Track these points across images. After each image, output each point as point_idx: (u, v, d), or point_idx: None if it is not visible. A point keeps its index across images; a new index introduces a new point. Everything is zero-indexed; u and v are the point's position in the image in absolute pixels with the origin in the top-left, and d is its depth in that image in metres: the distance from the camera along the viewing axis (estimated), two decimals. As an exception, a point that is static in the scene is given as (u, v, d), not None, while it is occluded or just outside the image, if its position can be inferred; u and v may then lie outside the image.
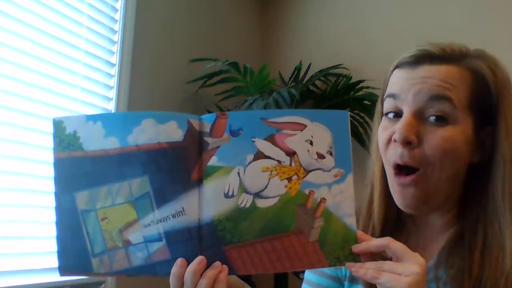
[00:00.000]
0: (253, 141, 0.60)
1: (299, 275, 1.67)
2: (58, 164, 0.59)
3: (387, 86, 0.73)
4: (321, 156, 0.60)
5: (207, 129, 0.60)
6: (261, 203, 0.60)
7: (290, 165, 0.60)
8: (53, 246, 0.60)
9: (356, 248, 0.59)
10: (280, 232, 0.59)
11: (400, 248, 0.58)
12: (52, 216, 0.60)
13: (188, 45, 2.16)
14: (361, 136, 2.03)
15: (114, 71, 1.78)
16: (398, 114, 0.69)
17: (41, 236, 1.43)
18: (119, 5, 1.80)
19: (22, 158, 1.40)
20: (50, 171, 0.59)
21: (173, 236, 0.58)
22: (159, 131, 0.59)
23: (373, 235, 0.72)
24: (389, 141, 0.70)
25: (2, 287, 1.29)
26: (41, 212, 1.44)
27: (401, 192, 0.69)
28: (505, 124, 0.67)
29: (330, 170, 0.60)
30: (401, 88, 0.68)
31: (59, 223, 0.59)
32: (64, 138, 0.58)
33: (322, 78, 2.31)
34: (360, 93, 2.13)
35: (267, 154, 0.60)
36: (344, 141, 0.61)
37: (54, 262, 0.60)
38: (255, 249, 0.59)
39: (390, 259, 0.59)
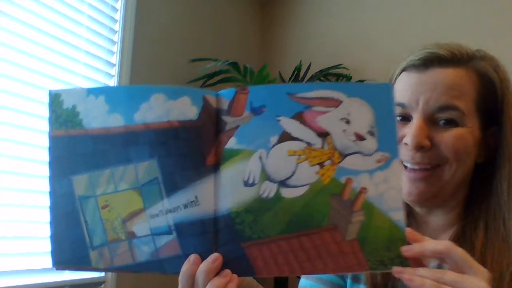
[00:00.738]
0: (278, 120, 0.51)
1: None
2: (54, 143, 0.52)
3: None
4: (360, 137, 0.51)
5: (225, 106, 0.52)
6: (287, 193, 0.51)
7: (322, 148, 0.51)
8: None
9: (407, 250, 0.49)
10: (310, 228, 0.50)
11: (464, 258, 0.48)
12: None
13: (188, 45, 2.17)
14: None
15: (114, 71, 1.79)
16: (406, 118, 0.70)
17: (41, 236, 1.42)
18: (119, 5, 1.82)
19: (23, 158, 1.41)
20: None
21: (185, 229, 0.50)
22: (170, 108, 0.51)
23: None
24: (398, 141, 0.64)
25: (2, 287, 1.26)
26: (41, 212, 1.43)
27: (409, 186, 0.69)
28: (510, 124, 0.69)
29: (371, 154, 0.51)
30: (410, 98, 0.69)
31: (53, 210, 0.52)
32: (62, 113, 0.52)
33: (322, 78, 2.29)
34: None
35: (294, 135, 0.51)
36: (388, 119, 0.51)
37: (52, 259, 0.53)
38: (279, 247, 0.50)
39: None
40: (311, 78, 2.23)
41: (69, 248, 0.52)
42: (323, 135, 0.51)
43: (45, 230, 1.37)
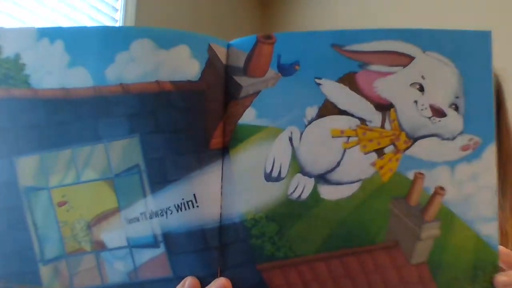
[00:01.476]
0: (318, 84, 0.35)
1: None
2: (-14, 108, 0.36)
3: None
4: (438, 112, 0.35)
5: (240, 61, 0.36)
6: (329, 193, 0.35)
7: (382, 127, 0.35)
8: None
9: (503, 283, 0.33)
10: (360, 244, 0.34)
11: None
12: None
13: (188, 45, 2.11)
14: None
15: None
16: None
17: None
18: (119, 5, 1.78)
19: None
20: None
21: (177, 241, 0.35)
22: (160, 61, 0.35)
23: None
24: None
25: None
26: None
27: None
28: (506, 131, 0.67)
29: (454, 138, 0.34)
30: None
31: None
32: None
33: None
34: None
35: (341, 106, 0.35)
36: (483, 85, 0.35)
37: None
38: (314, 271, 0.35)
39: None
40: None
41: (10, 260, 0.36)
42: (384, 108, 0.35)
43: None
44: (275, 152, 0.36)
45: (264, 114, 0.36)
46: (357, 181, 0.35)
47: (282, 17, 2.67)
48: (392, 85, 0.35)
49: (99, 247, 0.36)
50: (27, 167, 0.36)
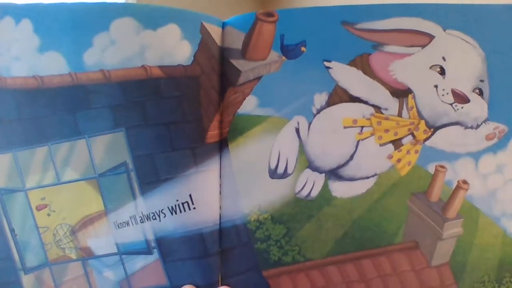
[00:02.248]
0: (328, 68, 0.31)
1: None
2: None
3: None
4: (461, 98, 0.31)
5: (237, 43, 0.32)
6: (341, 190, 0.32)
7: (399, 115, 0.31)
8: None
9: None
10: (376, 246, 0.31)
11: None
12: None
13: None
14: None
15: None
16: None
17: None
18: None
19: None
20: None
21: (173, 247, 0.32)
22: (146, 43, 0.31)
23: None
24: None
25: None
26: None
27: None
28: None
29: (478, 126, 0.31)
30: None
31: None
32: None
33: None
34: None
35: (353, 93, 0.31)
36: (511, 68, 0.31)
37: None
38: (326, 275, 0.31)
39: None
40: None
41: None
42: (401, 93, 0.31)
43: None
44: (280, 146, 0.32)
45: (267, 103, 0.32)
46: (372, 176, 0.31)
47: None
48: (409, 68, 0.31)
49: (86, 254, 0.32)
50: (-2, 167, 0.32)
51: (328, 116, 0.32)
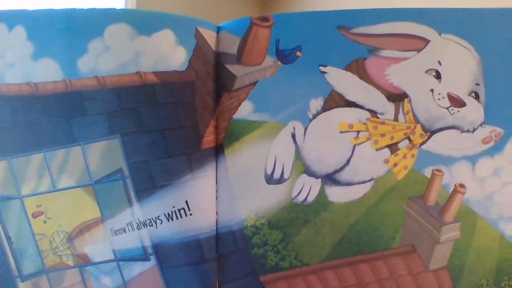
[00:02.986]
0: (323, 73, 0.31)
1: None
2: None
3: None
4: (457, 102, 0.31)
5: (232, 48, 0.32)
6: (338, 195, 0.32)
7: (395, 119, 0.31)
8: None
9: None
10: (373, 250, 0.31)
11: None
12: None
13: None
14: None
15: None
16: None
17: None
18: (120, 5, 1.79)
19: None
20: None
21: (170, 253, 0.32)
22: (141, 49, 0.31)
23: None
24: None
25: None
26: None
27: None
28: None
29: (474, 130, 0.31)
30: None
31: None
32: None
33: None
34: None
35: (349, 97, 0.31)
36: (506, 71, 0.31)
37: None
38: (323, 280, 0.31)
39: None
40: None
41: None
42: (397, 98, 0.31)
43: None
44: (276, 151, 0.32)
45: (263, 108, 0.32)
46: (369, 180, 0.31)
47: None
48: (405, 72, 0.31)
49: (83, 260, 0.32)
50: (-8, 175, 0.32)
51: (324, 121, 0.31)
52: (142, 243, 0.32)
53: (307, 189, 0.31)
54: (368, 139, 0.31)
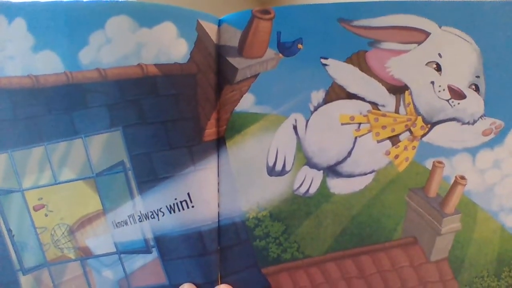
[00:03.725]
0: (324, 65, 0.31)
1: None
2: None
3: None
4: (457, 94, 0.31)
5: (234, 40, 0.32)
6: (340, 186, 0.32)
7: (396, 111, 0.31)
8: None
9: None
10: (375, 242, 0.31)
11: None
12: None
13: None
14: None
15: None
16: None
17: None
18: None
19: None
20: None
21: (172, 245, 0.31)
22: (142, 41, 0.31)
23: None
24: None
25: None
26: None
27: None
28: None
29: (474, 122, 0.31)
30: None
31: None
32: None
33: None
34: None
35: (350, 90, 0.31)
36: (506, 64, 0.31)
37: None
38: (325, 272, 0.31)
39: None
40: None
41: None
42: (398, 90, 0.31)
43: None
44: (278, 143, 0.32)
45: (264, 100, 0.32)
46: (370, 172, 0.31)
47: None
48: (406, 64, 0.31)
49: (85, 253, 0.32)
50: (-7, 168, 0.32)
51: (325, 113, 0.31)
52: (144, 235, 0.31)
53: (308, 181, 0.31)
54: (369, 131, 0.31)
